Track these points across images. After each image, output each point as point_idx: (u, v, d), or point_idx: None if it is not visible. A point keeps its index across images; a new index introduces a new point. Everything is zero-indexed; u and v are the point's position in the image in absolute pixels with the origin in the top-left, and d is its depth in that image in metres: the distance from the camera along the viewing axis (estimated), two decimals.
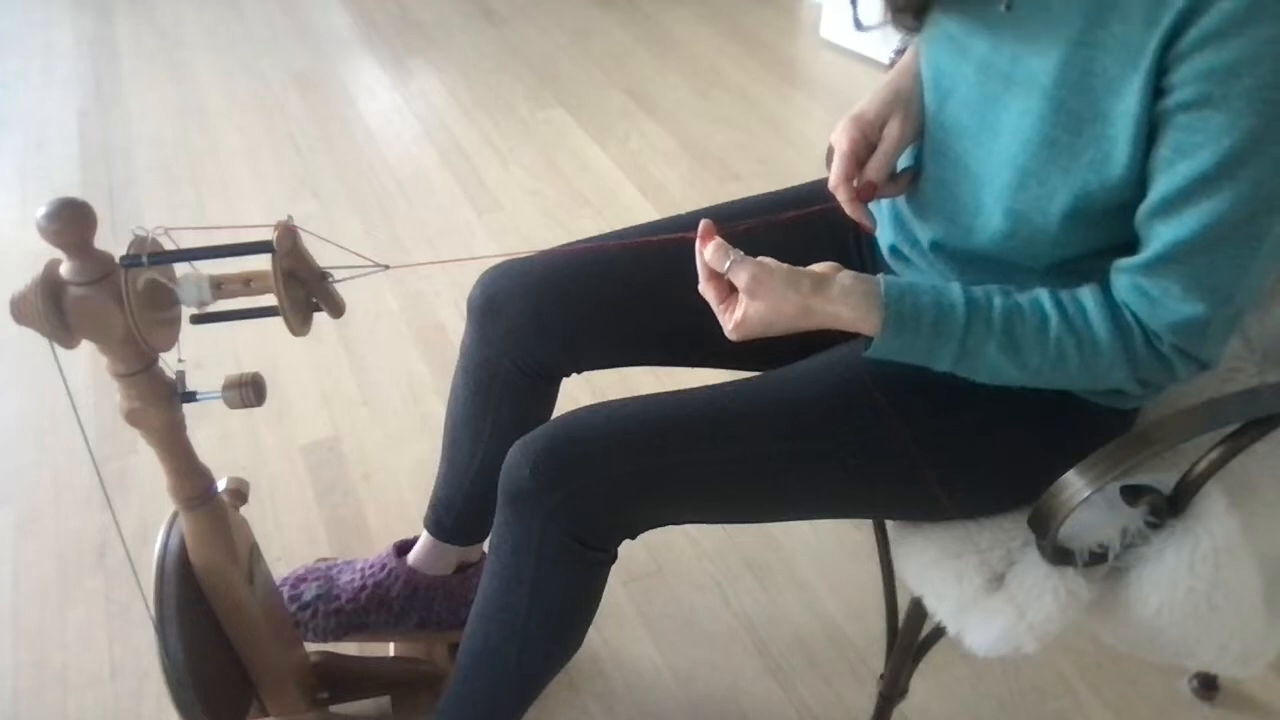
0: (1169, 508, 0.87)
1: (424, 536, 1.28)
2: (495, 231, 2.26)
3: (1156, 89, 0.75)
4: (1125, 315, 0.82)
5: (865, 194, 0.93)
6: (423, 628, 1.29)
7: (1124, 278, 0.81)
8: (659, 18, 3.24)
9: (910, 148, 0.99)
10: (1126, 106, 0.76)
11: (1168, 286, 0.78)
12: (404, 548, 1.31)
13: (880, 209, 1.05)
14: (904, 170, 0.98)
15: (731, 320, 0.85)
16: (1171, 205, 0.76)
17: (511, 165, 2.50)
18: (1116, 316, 0.82)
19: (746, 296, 0.83)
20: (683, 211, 1.14)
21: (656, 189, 2.39)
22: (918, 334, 0.83)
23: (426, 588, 1.27)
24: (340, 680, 1.26)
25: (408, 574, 1.27)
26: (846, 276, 0.84)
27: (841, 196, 0.93)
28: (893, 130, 0.94)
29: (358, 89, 2.89)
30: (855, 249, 1.10)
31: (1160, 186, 0.77)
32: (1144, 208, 0.79)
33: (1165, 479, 0.88)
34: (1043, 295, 0.84)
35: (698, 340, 1.10)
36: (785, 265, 0.84)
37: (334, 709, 1.24)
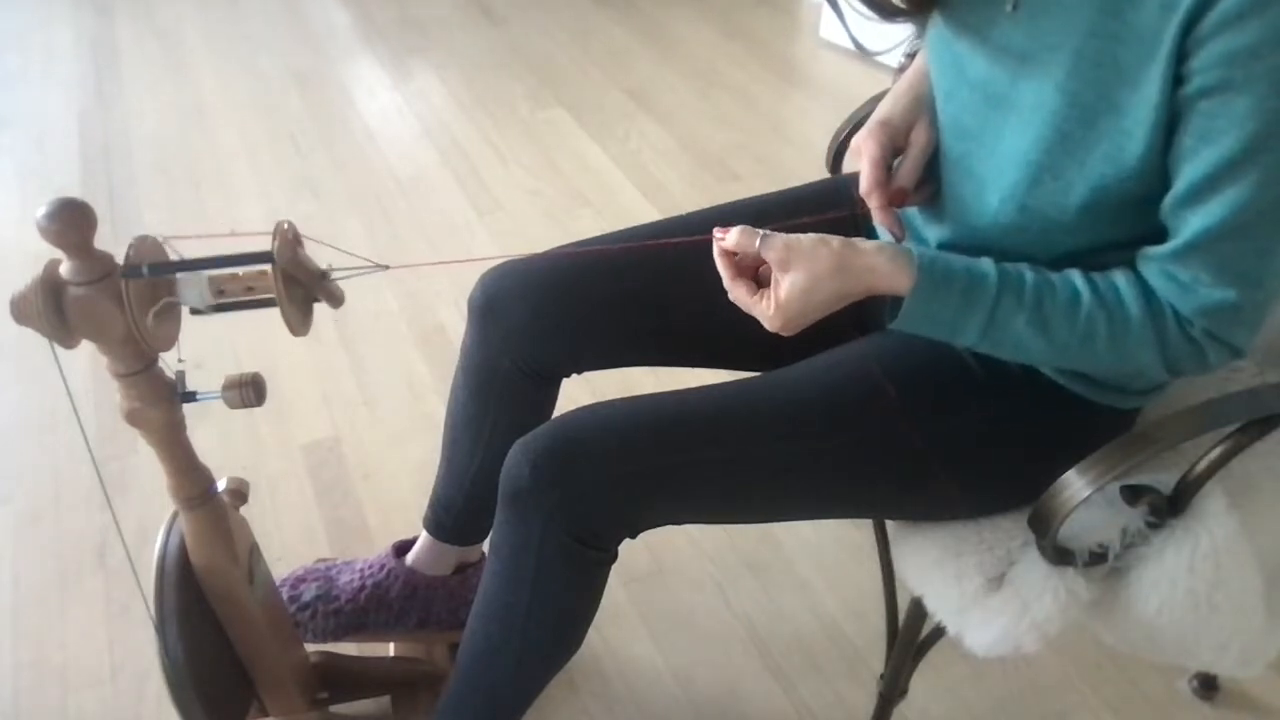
0: (1169, 508, 0.87)
1: (423, 537, 1.28)
2: (495, 231, 2.26)
3: (1176, 76, 0.74)
4: (1158, 297, 0.81)
5: (897, 200, 0.93)
6: (422, 628, 1.28)
7: (1153, 265, 0.81)
8: (659, 17, 3.24)
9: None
10: (1144, 96, 0.76)
11: (1197, 274, 0.78)
12: (403, 548, 1.31)
13: None
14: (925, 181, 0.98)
15: (771, 305, 0.84)
16: (1199, 193, 0.76)
17: (511, 165, 2.50)
18: (1149, 295, 0.81)
19: (781, 271, 0.83)
20: (682, 211, 1.14)
21: (656, 189, 2.39)
22: (948, 300, 0.82)
23: (425, 588, 1.27)
24: (340, 680, 1.26)
25: (407, 574, 1.27)
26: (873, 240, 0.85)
27: (874, 203, 0.92)
28: (920, 136, 0.94)
29: (358, 89, 2.89)
30: None
31: (1186, 175, 0.76)
32: (1170, 197, 0.78)
33: (1165, 479, 0.88)
34: (1073, 273, 0.83)
35: (698, 340, 1.10)
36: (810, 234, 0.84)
37: (334, 709, 1.24)
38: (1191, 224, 0.77)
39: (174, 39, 3.18)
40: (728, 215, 1.11)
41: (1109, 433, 0.87)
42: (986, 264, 0.84)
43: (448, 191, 2.41)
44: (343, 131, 2.66)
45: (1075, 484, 0.81)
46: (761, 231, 0.85)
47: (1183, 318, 0.80)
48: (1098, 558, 0.88)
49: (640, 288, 1.09)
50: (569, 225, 2.27)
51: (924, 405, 0.93)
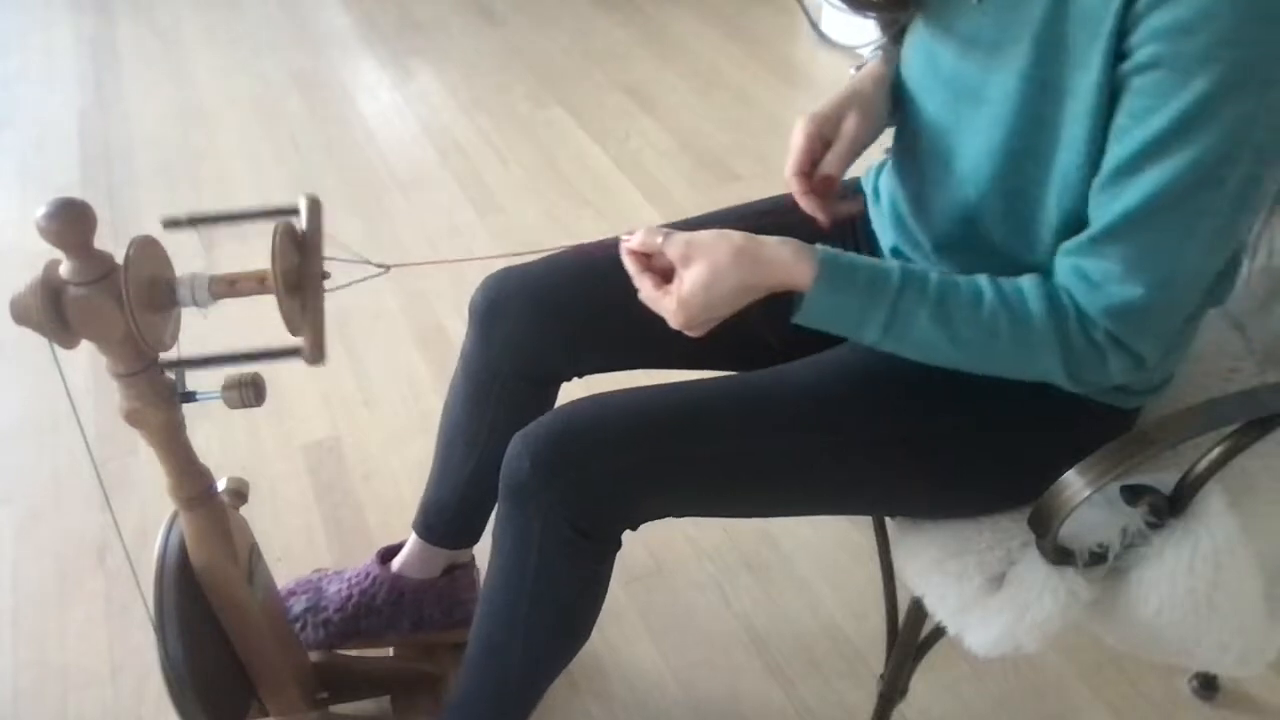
0: (1169, 508, 0.87)
1: (412, 540, 1.28)
2: (495, 232, 2.26)
3: (1118, 53, 0.74)
4: (1062, 298, 0.81)
5: (822, 188, 0.94)
6: (417, 631, 1.29)
7: (1067, 261, 0.81)
8: (659, 18, 3.24)
9: (888, 166, 1.00)
10: (1091, 78, 0.76)
11: (1108, 268, 0.77)
12: (388, 554, 1.31)
13: (882, 211, 1.05)
14: (858, 192, 0.99)
15: (674, 300, 0.84)
16: (1121, 174, 0.75)
17: (511, 165, 2.50)
18: (1053, 297, 0.81)
19: (683, 267, 0.84)
20: (683, 210, 1.14)
21: (656, 189, 2.39)
22: (851, 292, 0.82)
23: (412, 592, 1.27)
24: (340, 680, 1.26)
25: (392, 580, 1.27)
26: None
27: (794, 189, 0.94)
28: (849, 125, 0.94)
29: (358, 89, 2.89)
30: (855, 251, 1.10)
31: (1113, 154, 0.76)
32: (1096, 181, 0.78)
33: (1165, 479, 0.88)
34: (980, 276, 0.84)
35: (698, 344, 1.10)
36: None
37: (334, 709, 1.24)
38: (1111, 209, 0.76)
39: (174, 39, 3.18)
40: (733, 219, 1.11)
41: (1109, 433, 0.86)
42: (891, 263, 0.84)
43: (448, 191, 2.41)
44: (343, 131, 2.66)
45: (1075, 484, 0.81)
46: (665, 230, 0.86)
47: (1088, 318, 0.80)
48: (1098, 558, 0.88)
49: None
50: (569, 225, 2.27)
51: (924, 402, 0.93)
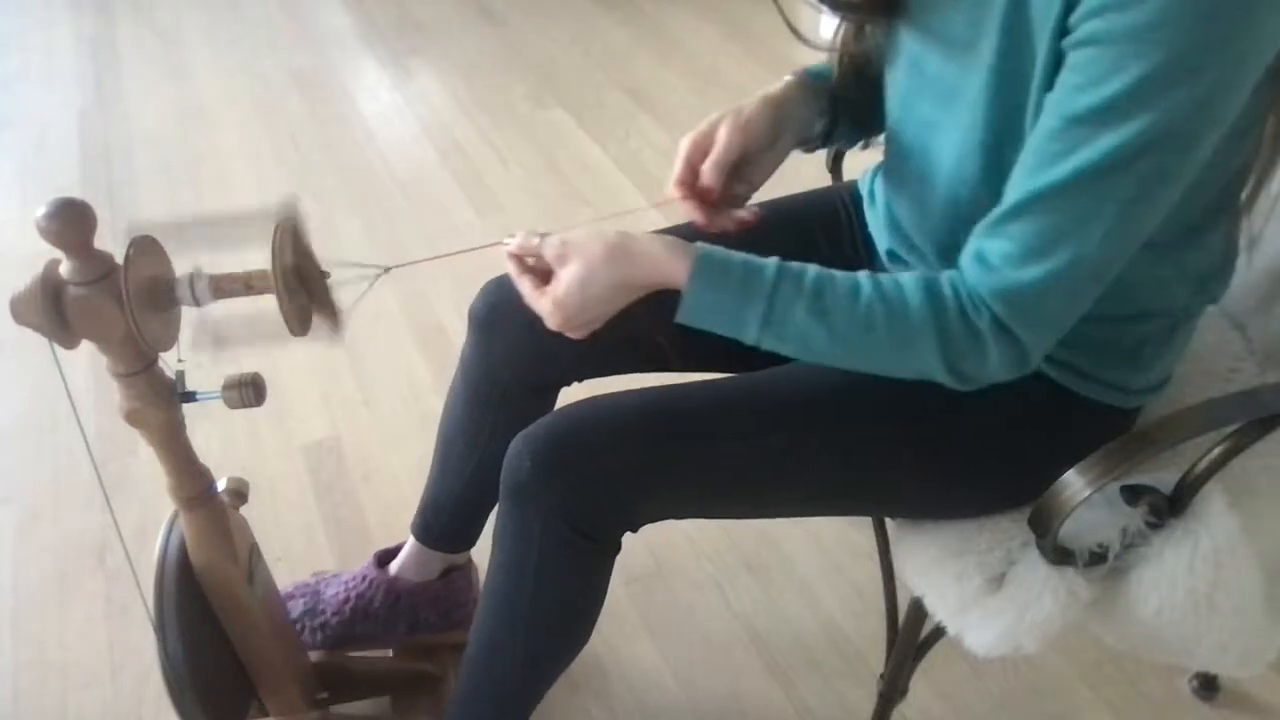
0: (1169, 508, 0.87)
1: (410, 543, 1.28)
2: (495, 232, 2.26)
3: (1062, 32, 0.72)
4: (944, 289, 0.80)
5: (704, 198, 0.96)
6: (414, 633, 1.29)
7: (970, 244, 0.80)
8: (659, 18, 3.24)
9: (882, 170, 1.01)
10: (1042, 62, 0.75)
11: (1007, 250, 0.76)
12: (385, 557, 1.31)
13: (877, 214, 1.05)
14: (749, 208, 1.01)
15: (549, 300, 0.85)
16: (1041, 150, 0.74)
17: (511, 165, 2.50)
18: (931, 288, 0.80)
19: (559, 266, 0.85)
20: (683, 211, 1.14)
21: (656, 189, 2.39)
22: (727, 287, 0.82)
23: (409, 595, 1.27)
24: (340, 680, 1.26)
25: (388, 584, 1.27)
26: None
27: (674, 196, 0.97)
28: (720, 135, 0.96)
29: (358, 89, 2.89)
30: (853, 254, 1.10)
31: (1035, 132, 0.75)
32: (1020, 156, 0.77)
33: (1165, 479, 0.88)
34: (862, 272, 0.83)
35: (697, 347, 1.09)
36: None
37: (334, 709, 1.24)
38: (1023, 186, 0.75)
39: (174, 39, 3.18)
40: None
41: (1109, 433, 0.86)
42: (769, 259, 0.84)
43: (448, 191, 2.41)
44: (342, 131, 2.66)
45: (1075, 484, 0.81)
46: (542, 231, 0.87)
47: (976, 302, 0.78)
48: (1098, 558, 0.88)
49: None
50: (569, 225, 2.26)
51: (924, 401, 0.92)
